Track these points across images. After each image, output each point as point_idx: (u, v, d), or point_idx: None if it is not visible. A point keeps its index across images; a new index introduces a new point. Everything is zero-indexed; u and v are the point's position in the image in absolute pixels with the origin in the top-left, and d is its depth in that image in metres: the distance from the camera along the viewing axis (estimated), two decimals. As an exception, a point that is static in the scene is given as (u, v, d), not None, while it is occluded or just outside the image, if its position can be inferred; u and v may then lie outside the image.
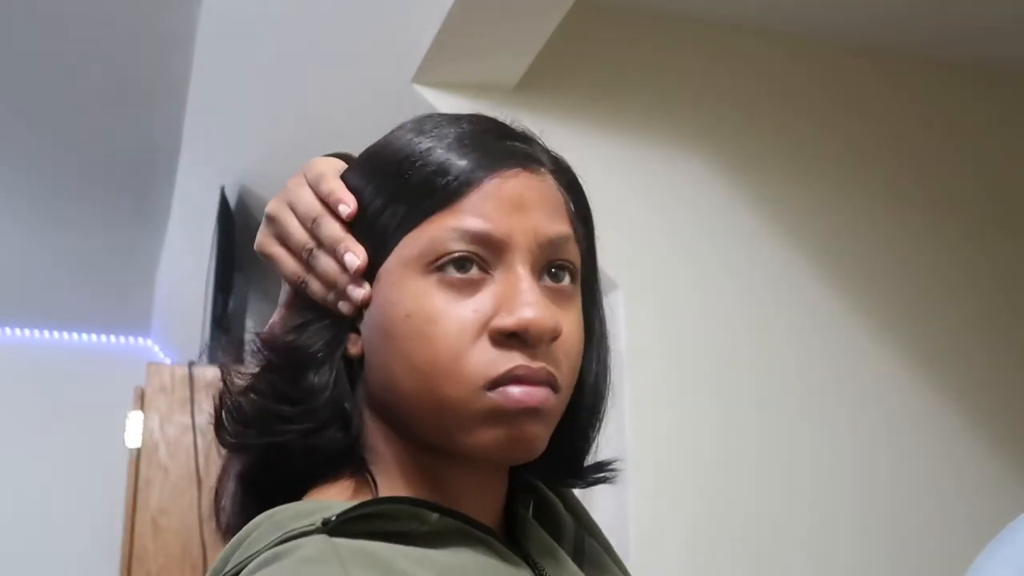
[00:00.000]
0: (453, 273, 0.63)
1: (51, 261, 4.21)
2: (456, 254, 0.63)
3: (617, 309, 2.05)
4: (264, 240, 0.69)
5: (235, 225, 2.92)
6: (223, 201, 2.84)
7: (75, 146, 3.30)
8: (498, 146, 0.68)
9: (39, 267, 4.28)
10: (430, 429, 0.64)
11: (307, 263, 0.66)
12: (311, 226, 0.66)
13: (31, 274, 4.35)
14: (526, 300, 0.62)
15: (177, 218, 3.73)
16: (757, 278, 2.17)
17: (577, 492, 0.80)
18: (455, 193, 0.64)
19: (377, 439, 0.66)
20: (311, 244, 0.66)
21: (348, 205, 0.65)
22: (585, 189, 0.75)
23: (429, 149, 0.66)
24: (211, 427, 0.67)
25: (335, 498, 0.64)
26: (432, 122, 0.69)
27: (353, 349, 0.66)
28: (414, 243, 0.64)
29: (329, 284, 0.65)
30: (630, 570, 0.81)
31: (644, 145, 2.16)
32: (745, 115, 2.25)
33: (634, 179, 2.14)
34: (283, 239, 0.68)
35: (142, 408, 2.31)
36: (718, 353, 2.11)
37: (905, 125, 2.38)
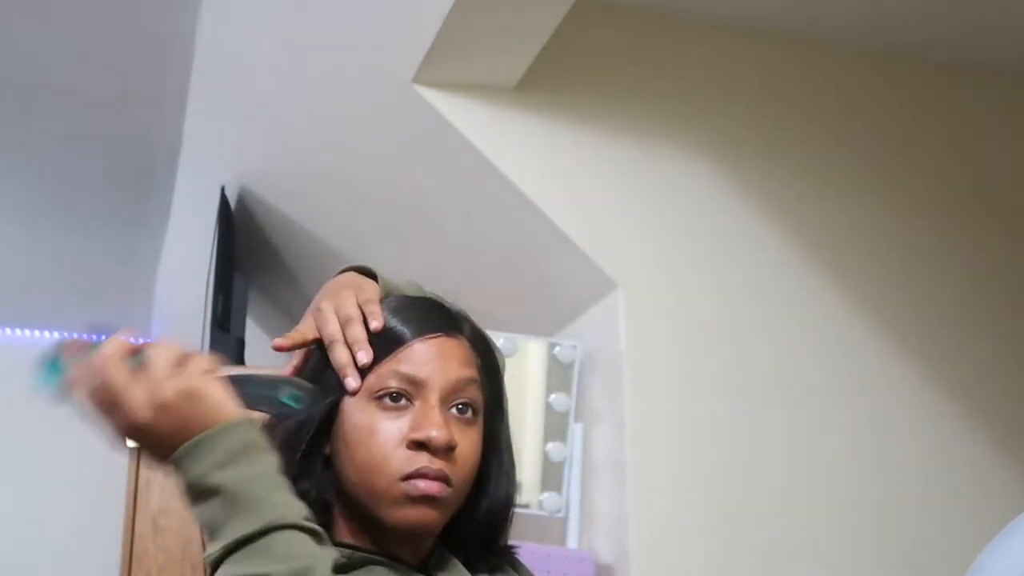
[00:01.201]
0: (388, 401, 0.93)
1: (51, 261, 4.21)
2: (391, 389, 0.93)
3: (617, 309, 2.06)
4: (306, 327, 0.99)
5: (235, 225, 2.92)
6: (223, 201, 2.84)
7: (75, 146, 3.30)
8: (428, 324, 0.97)
9: (39, 267, 4.28)
10: (368, 507, 0.93)
11: (329, 347, 0.96)
12: (343, 324, 0.96)
13: (31, 274, 4.35)
14: (433, 422, 0.92)
15: (177, 218, 3.73)
16: (758, 278, 2.17)
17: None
18: (391, 350, 0.95)
19: (341, 505, 0.96)
20: (339, 337, 0.95)
21: (379, 322, 0.95)
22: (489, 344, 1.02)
23: (384, 329, 0.96)
24: None
25: None
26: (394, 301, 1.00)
27: (327, 450, 0.96)
28: (366, 381, 0.94)
29: (339, 366, 0.95)
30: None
31: (644, 145, 2.16)
32: (746, 115, 2.25)
33: (634, 179, 2.14)
34: (320, 327, 0.97)
35: (142, 408, 2.30)
36: (718, 353, 2.11)
37: (912, 127, 2.38)
